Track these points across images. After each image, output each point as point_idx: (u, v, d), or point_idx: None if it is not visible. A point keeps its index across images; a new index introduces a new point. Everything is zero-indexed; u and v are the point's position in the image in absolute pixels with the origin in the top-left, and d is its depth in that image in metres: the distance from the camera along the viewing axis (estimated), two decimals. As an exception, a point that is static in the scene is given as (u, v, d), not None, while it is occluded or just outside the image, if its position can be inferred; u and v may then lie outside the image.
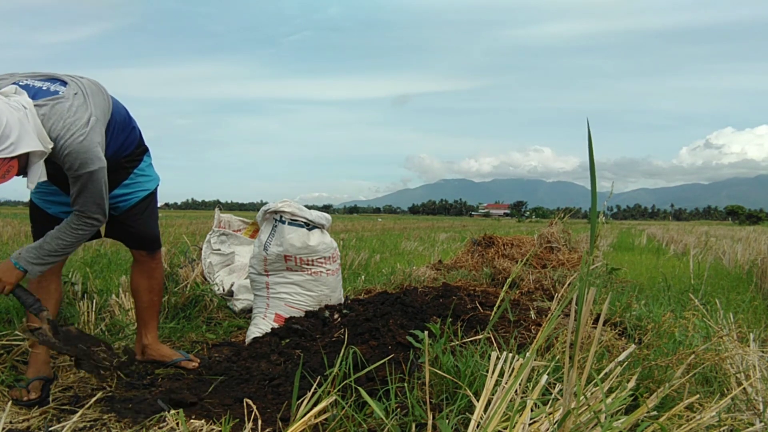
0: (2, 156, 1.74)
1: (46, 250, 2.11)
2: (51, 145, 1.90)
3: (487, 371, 1.52)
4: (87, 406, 1.97)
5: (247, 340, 3.06)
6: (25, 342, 2.31)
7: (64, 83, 2.02)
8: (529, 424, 1.33)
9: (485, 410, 1.35)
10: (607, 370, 1.66)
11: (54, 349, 2.10)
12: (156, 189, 2.56)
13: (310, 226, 3.21)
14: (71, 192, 2.06)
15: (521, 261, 4.92)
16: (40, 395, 2.12)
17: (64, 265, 2.52)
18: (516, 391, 1.44)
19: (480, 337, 2.14)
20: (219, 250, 4.36)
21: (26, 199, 2.43)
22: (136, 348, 2.66)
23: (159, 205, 2.65)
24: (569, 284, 3.70)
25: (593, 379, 1.49)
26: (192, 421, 1.83)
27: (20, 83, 1.95)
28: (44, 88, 1.97)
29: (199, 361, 2.66)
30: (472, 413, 1.47)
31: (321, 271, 3.21)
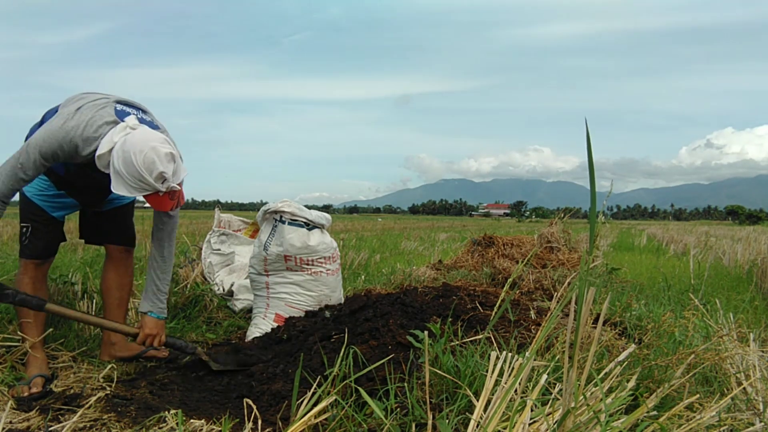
0: (178, 182, 2.07)
1: (166, 286, 2.50)
2: None
3: (487, 371, 1.52)
4: (87, 406, 1.97)
5: (247, 340, 3.06)
6: (25, 343, 2.31)
7: (144, 111, 2.29)
8: (529, 424, 1.32)
9: (485, 410, 1.35)
10: (607, 370, 1.66)
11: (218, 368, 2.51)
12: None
13: (310, 226, 3.21)
14: (164, 219, 2.42)
15: (521, 261, 4.92)
16: (42, 391, 2.13)
17: (51, 265, 2.58)
18: (516, 390, 1.44)
19: (480, 337, 2.14)
20: (219, 250, 4.36)
21: (26, 199, 2.46)
22: (103, 348, 2.68)
23: None
24: (569, 284, 3.70)
25: (593, 379, 1.49)
26: (192, 420, 1.83)
27: (118, 108, 2.17)
28: (138, 116, 2.21)
29: (168, 352, 2.77)
30: (472, 413, 1.47)
31: (321, 271, 3.21)
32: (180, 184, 2.15)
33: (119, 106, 2.17)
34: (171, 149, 2.06)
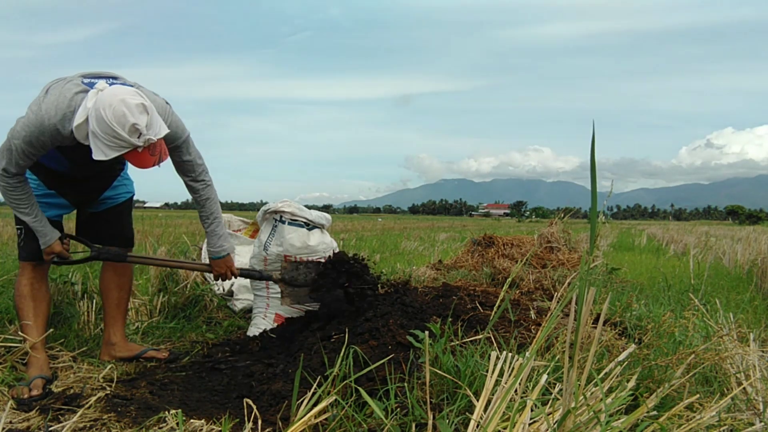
0: (161, 136, 2.00)
1: (218, 226, 2.58)
2: None
3: (487, 371, 1.52)
4: (87, 406, 1.97)
5: (247, 340, 3.06)
6: (26, 343, 2.31)
7: (114, 77, 2.20)
8: (529, 424, 1.32)
9: (485, 410, 1.35)
10: (607, 370, 1.66)
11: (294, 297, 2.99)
12: (133, 195, 2.81)
13: (310, 226, 3.21)
14: (184, 167, 2.41)
15: (521, 261, 4.92)
16: (42, 393, 2.12)
17: (57, 266, 2.58)
18: (516, 390, 1.44)
19: (480, 336, 2.14)
20: (219, 250, 4.36)
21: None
22: (103, 348, 2.68)
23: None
24: (569, 284, 3.70)
25: (593, 379, 1.49)
26: (192, 421, 1.83)
27: (85, 81, 2.10)
28: (108, 82, 2.12)
29: (168, 352, 2.76)
30: (472, 413, 1.47)
31: (321, 271, 3.21)
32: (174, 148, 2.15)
33: (86, 79, 2.11)
34: (142, 100, 1.97)
